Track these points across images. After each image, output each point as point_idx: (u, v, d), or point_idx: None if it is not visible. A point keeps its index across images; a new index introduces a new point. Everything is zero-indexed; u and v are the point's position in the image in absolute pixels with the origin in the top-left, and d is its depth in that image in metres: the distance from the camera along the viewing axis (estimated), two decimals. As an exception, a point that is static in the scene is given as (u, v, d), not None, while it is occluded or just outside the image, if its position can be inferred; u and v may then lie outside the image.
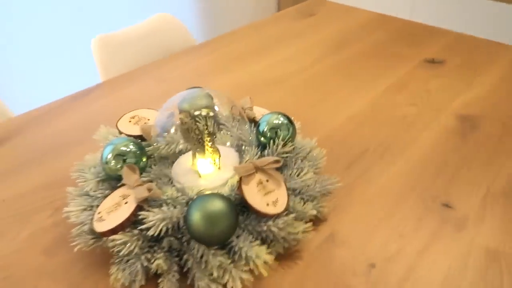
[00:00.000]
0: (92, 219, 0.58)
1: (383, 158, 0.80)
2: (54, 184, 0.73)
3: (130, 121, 0.74)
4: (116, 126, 0.73)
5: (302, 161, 0.69)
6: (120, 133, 0.72)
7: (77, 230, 0.58)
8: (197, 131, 0.61)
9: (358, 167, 0.78)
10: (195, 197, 0.59)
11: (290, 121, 0.70)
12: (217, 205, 0.54)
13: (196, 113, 0.63)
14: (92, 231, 0.57)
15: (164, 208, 0.55)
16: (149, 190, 0.56)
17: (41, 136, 0.87)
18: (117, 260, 0.56)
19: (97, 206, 0.60)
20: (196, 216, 0.53)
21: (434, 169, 0.76)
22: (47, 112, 0.95)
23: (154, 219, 0.53)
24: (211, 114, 0.63)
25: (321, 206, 0.66)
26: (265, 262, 0.55)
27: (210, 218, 0.53)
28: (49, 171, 0.77)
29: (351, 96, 1.00)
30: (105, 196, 0.61)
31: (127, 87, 1.04)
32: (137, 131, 0.71)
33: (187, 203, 0.59)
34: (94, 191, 0.63)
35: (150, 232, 0.53)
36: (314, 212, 0.63)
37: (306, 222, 0.61)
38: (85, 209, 0.61)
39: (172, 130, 0.69)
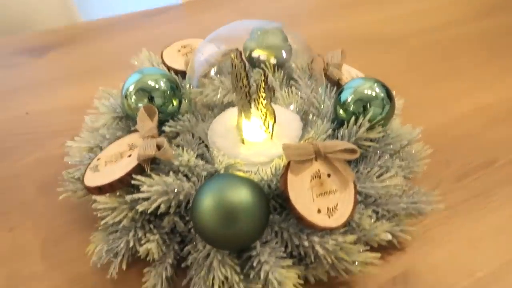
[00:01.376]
0: (88, 164, 0.44)
1: (518, 179, 0.53)
2: (83, 109, 0.61)
3: (179, 51, 0.58)
4: (161, 53, 0.58)
5: (391, 157, 0.47)
6: (163, 63, 0.56)
7: (69, 174, 0.45)
8: (246, 82, 0.42)
9: (475, 184, 0.53)
10: (221, 171, 0.42)
11: (389, 96, 0.47)
12: (241, 196, 0.36)
13: (254, 54, 0.44)
14: (85, 180, 0.43)
15: (169, 178, 0.38)
16: (158, 147, 0.40)
17: (93, 51, 0.75)
18: (101, 227, 0.42)
19: (103, 149, 0.46)
20: (206, 204, 0.35)
21: None
22: (112, 25, 0.83)
23: (150, 190, 0.37)
24: (273, 61, 0.44)
25: (401, 231, 0.44)
26: (291, 296, 0.36)
27: (226, 211, 0.35)
28: (85, 93, 0.64)
29: (487, 80, 0.71)
30: (115, 140, 0.46)
31: (208, 14, 0.88)
32: (181, 65, 0.55)
33: (206, 179, 0.42)
34: (107, 129, 0.48)
35: (141, 207, 0.38)
36: (389, 237, 0.42)
37: (372, 249, 0.41)
38: (90, 149, 0.48)
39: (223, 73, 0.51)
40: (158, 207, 0.38)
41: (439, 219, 0.48)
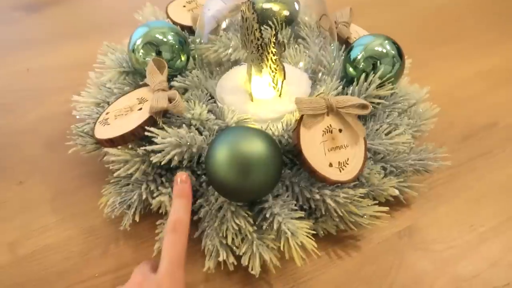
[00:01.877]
0: (97, 118, 0.43)
1: (519, 140, 0.54)
2: (86, 65, 0.60)
3: (184, 6, 0.56)
4: (166, 8, 0.56)
5: (399, 115, 0.47)
6: (168, 18, 0.55)
7: (77, 128, 0.44)
8: (258, 34, 0.42)
9: (478, 144, 0.54)
10: (232, 126, 0.42)
11: (400, 53, 0.47)
12: (255, 147, 0.36)
13: (266, 6, 0.43)
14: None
15: (183, 131, 0.38)
16: (171, 100, 0.39)
17: (91, 7, 0.73)
18: (112, 180, 0.42)
19: (110, 104, 0.45)
20: (221, 155, 0.36)
21: None
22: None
23: (164, 142, 0.37)
24: (286, 13, 0.43)
25: (408, 187, 0.45)
26: (303, 246, 0.37)
27: (241, 162, 0.35)
28: (87, 49, 0.63)
29: (492, 45, 0.71)
30: (124, 94, 0.46)
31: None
32: (188, 21, 0.54)
33: (219, 131, 0.42)
34: (114, 84, 0.48)
35: (155, 159, 0.38)
36: (396, 192, 0.43)
37: (379, 204, 0.42)
38: (97, 104, 0.47)
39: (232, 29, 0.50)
40: (171, 160, 0.38)
41: (443, 177, 0.49)
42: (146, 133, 0.38)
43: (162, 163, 0.38)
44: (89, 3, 0.75)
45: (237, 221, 0.37)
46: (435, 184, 0.48)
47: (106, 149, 0.41)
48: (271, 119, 0.46)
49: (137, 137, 0.40)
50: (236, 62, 0.51)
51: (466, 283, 0.40)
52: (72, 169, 0.47)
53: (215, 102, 0.47)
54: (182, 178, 0.37)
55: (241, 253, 0.38)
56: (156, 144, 0.38)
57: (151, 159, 0.38)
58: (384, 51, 0.46)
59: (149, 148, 0.38)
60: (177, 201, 0.36)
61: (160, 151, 0.38)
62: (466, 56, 0.70)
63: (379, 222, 0.41)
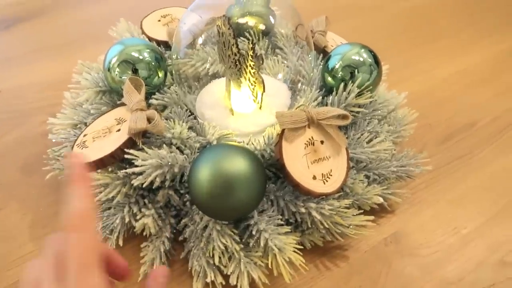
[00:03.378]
0: (74, 141, 0.42)
1: (497, 138, 0.56)
2: (61, 84, 0.58)
3: (159, 21, 0.56)
4: (141, 24, 0.55)
5: (379, 122, 0.48)
6: (143, 33, 0.54)
7: (54, 152, 0.43)
8: (236, 50, 0.41)
9: (458, 146, 0.54)
10: (213, 143, 0.41)
11: (376, 61, 0.47)
12: (238, 165, 0.35)
13: (241, 21, 0.42)
14: (72, 157, 0.42)
15: (163, 151, 0.37)
16: (150, 120, 0.39)
17: (65, 23, 0.71)
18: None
19: (88, 125, 0.44)
20: (203, 175, 0.35)
21: None
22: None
23: (145, 164, 0.37)
24: (262, 27, 0.42)
25: (391, 193, 0.45)
26: (291, 261, 0.37)
27: (224, 181, 0.35)
28: (61, 67, 0.62)
29: (467, 45, 0.72)
30: (101, 114, 0.45)
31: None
32: (163, 35, 0.53)
33: (201, 150, 0.41)
34: (90, 104, 0.47)
35: (136, 182, 0.37)
36: (381, 200, 0.43)
37: (364, 213, 0.42)
38: (74, 125, 0.46)
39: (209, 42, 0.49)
40: (153, 181, 0.37)
41: (425, 181, 0.49)
42: (126, 156, 0.37)
43: (144, 185, 0.37)
44: (61, 18, 0.74)
45: (223, 240, 0.37)
46: (418, 188, 0.48)
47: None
48: (252, 132, 0.45)
49: (116, 160, 0.39)
50: (215, 76, 0.51)
51: (453, 286, 0.40)
52: (50, 194, 0.46)
53: (195, 118, 0.47)
54: (75, 160, 0.27)
55: (229, 273, 0.37)
56: (137, 166, 0.37)
57: (132, 181, 0.37)
58: (361, 59, 0.47)
59: (129, 170, 0.37)
60: (75, 188, 0.26)
61: (141, 173, 0.37)
62: (443, 56, 0.71)
63: (365, 231, 0.41)
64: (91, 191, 0.27)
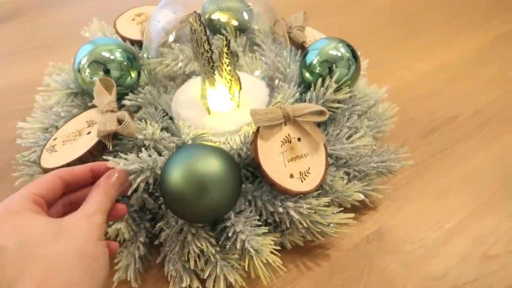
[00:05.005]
0: (44, 145, 0.41)
1: (479, 131, 0.55)
2: (33, 87, 0.56)
3: (133, 20, 0.54)
4: (114, 23, 0.54)
5: (359, 117, 0.47)
6: (117, 33, 0.53)
7: (23, 157, 0.42)
8: (207, 47, 0.40)
9: (439, 140, 0.54)
10: (188, 142, 0.40)
11: (355, 56, 0.46)
12: (211, 165, 0.34)
13: (214, 17, 0.41)
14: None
15: (144, 154, 0.36)
16: (120, 121, 0.37)
17: (39, 25, 0.70)
18: (64, 211, 0.39)
19: (59, 128, 0.43)
20: (175, 176, 0.34)
21: (556, 165, 0.51)
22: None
23: (128, 170, 0.35)
24: (235, 23, 0.41)
25: (373, 190, 0.44)
26: (268, 263, 0.36)
27: (196, 181, 0.34)
28: (34, 70, 0.60)
29: (448, 39, 0.72)
30: (72, 117, 0.43)
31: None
32: (137, 35, 0.52)
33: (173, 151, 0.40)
34: (61, 107, 0.45)
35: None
36: (361, 196, 0.42)
37: (345, 210, 0.41)
38: (45, 129, 0.45)
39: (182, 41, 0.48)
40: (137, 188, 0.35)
41: (407, 176, 0.49)
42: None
43: (129, 193, 0.35)
44: (36, 19, 0.72)
45: (199, 244, 0.36)
46: (400, 184, 0.48)
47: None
48: (229, 131, 0.44)
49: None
50: (191, 74, 0.50)
51: (437, 282, 0.40)
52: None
53: (170, 118, 0.45)
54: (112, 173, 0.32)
55: (205, 277, 0.36)
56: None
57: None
58: (339, 54, 0.46)
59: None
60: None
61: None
62: (424, 51, 0.70)
63: (346, 229, 0.40)
64: (114, 196, 0.31)
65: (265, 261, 0.35)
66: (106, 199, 0.30)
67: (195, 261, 0.36)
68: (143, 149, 0.38)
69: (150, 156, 0.36)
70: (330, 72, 0.46)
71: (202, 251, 0.36)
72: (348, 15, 0.78)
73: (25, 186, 0.28)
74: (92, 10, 0.73)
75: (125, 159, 0.35)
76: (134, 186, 0.35)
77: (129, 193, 0.35)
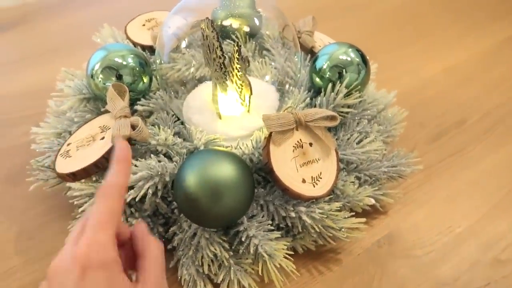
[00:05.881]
0: (58, 151, 0.41)
1: (488, 135, 0.55)
2: (45, 92, 0.57)
3: (143, 25, 0.55)
4: (125, 29, 0.54)
5: (369, 122, 0.47)
6: (128, 38, 0.53)
7: (37, 162, 0.42)
8: (220, 53, 0.41)
9: (449, 144, 0.54)
10: (200, 148, 0.41)
11: (364, 61, 0.47)
12: (225, 170, 0.35)
13: (226, 23, 0.42)
14: (57, 167, 0.41)
15: (152, 161, 0.36)
16: (134, 127, 0.38)
17: (47, 30, 0.70)
18: (78, 216, 0.40)
19: (72, 133, 0.43)
20: (189, 182, 0.34)
21: None
22: (65, 0, 0.78)
23: (136, 177, 0.35)
24: (247, 29, 0.42)
25: (383, 194, 0.44)
26: (282, 267, 0.36)
27: (210, 187, 0.34)
28: (44, 75, 0.61)
29: (456, 42, 0.72)
30: (85, 122, 0.44)
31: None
32: (148, 40, 0.52)
33: (187, 156, 0.40)
34: (74, 112, 0.46)
35: (129, 198, 0.36)
36: (372, 201, 0.43)
37: (356, 215, 0.41)
38: (58, 134, 0.45)
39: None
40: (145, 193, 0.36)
41: (417, 180, 0.49)
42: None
43: (136, 199, 0.36)
44: (45, 25, 0.73)
45: (212, 248, 0.36)
46: (410, 188, 0.48)
47: (69, 184, 0.39)
48: (240, 136, 0.44)
49: (101, 169, 0.38)
50: (202, 79, 0.50)
51: (449, 287, 0.40)
52: (36, 205, 0.45)
53: (182, 123, 0.46)
54: (121, 145, 0.30)
55: (219, 281, 0.36)
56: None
57: (126, 198, 0.35)
58: (349, 59, 0.46)
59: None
60: (116, 165, 0.28)
61: (132, 187, 0.36)
62: (431, 54, 0.70)
63: (357, 234, 0.40)
64: (129, 172, 0.30)
65: (278, 266, 0.35)
66: (106, 214, 0.26)
67: (209, 265, 0.36)
68: (152, 155, 0.38)
69: (159, 161, 0.37)
70: (340, 77, 0.46)
71: (215, 255, 0.36)
72: (353, 19, 0.79)
73: (99, 213, 0.26)
74: (99, 15, 0.74)
75: (135, 165, 0.36)
76: (141, 193, 0.35)
77: (138, 198, 0.35)
